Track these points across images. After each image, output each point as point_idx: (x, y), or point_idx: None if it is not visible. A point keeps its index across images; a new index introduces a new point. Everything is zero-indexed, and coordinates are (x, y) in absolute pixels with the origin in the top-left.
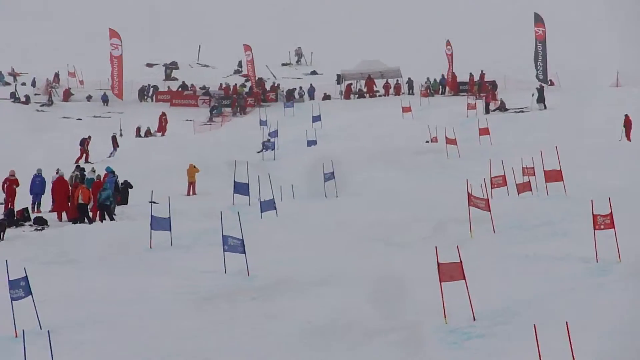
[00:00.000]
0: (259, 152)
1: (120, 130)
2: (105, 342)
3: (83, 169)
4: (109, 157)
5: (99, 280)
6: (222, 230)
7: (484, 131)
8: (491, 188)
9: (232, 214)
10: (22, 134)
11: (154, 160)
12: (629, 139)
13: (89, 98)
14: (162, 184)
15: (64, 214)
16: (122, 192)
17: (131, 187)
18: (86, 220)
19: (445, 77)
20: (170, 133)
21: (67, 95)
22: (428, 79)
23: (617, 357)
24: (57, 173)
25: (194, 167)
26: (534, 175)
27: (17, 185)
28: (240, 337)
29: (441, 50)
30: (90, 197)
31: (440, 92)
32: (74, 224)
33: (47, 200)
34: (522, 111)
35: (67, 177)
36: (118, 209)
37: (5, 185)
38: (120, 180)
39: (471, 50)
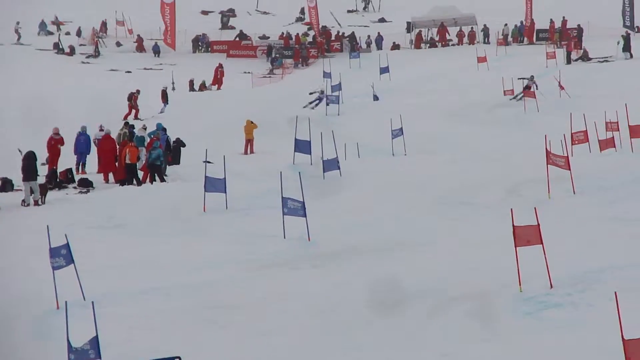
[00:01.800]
0: (306, 107)
1: (173, 83)
2: (154, 314)
3: (132, 126)
4: (160, 113)
5: (148, 247)
6: (282, 191)
7: (564, 83)
8: (572, 144)
9: (292, 174)
10: (66, 87)
11: (209, 117)
12: None
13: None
14: (217, 142)
15: (110, 175)
16: (173, 151)
17: (184, 145)
18: (135, 181)
19: (524, 23)
20: (227, 86)
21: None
22: (506, 25)
23: None
24: (101, 130)
25: (252, 123)
26: (618, 130)
27: (62, 144)
28: (303, 308)
29: None
30: (139, 157)
31: (518, 40)
32: (122, 185)
33: (92, 160)
34: (607, 61)
35: (114, 135)
36: (169, 170)
37: (50, 144)
38: (172, 138)
39: None
